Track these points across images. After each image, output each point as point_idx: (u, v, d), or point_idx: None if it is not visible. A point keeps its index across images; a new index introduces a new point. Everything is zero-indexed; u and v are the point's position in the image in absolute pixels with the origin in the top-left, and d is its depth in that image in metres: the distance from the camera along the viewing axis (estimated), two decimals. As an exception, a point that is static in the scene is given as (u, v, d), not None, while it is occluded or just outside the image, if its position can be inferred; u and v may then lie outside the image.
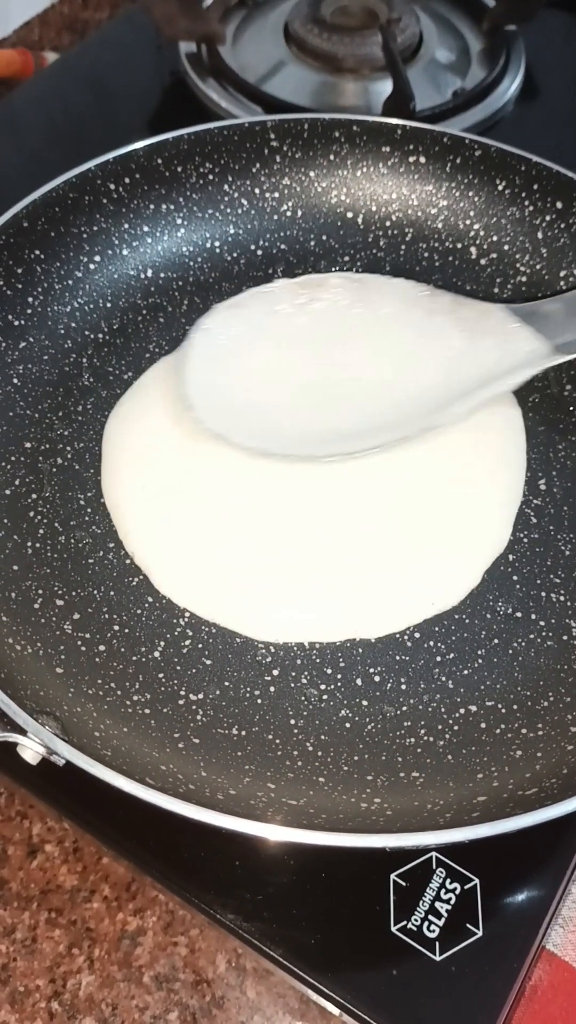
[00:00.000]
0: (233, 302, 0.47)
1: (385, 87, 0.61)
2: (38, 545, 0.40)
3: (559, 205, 0.49)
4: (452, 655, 0.38)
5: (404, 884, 0.35)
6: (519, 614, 0.40)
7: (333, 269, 0.51)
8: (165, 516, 0.41)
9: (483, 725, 0.36)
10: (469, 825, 0.30)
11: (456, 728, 0.36)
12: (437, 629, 0.39)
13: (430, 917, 0.35)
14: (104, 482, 0.43)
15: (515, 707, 0.37)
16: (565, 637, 0.39)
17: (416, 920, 0.35)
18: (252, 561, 0.40)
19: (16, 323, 0.45)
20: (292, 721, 0.36)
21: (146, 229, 0.50)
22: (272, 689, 0.37)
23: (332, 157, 0.52)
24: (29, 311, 0.46)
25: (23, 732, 0.32)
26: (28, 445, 0.43)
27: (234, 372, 0.45)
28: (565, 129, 0.65)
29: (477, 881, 0.36)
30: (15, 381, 0.44)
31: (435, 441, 0.43)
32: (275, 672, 0.38)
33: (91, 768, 0.30)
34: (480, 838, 0.30)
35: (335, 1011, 0.34)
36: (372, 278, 0.49)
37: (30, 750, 0.32)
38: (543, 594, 0.40)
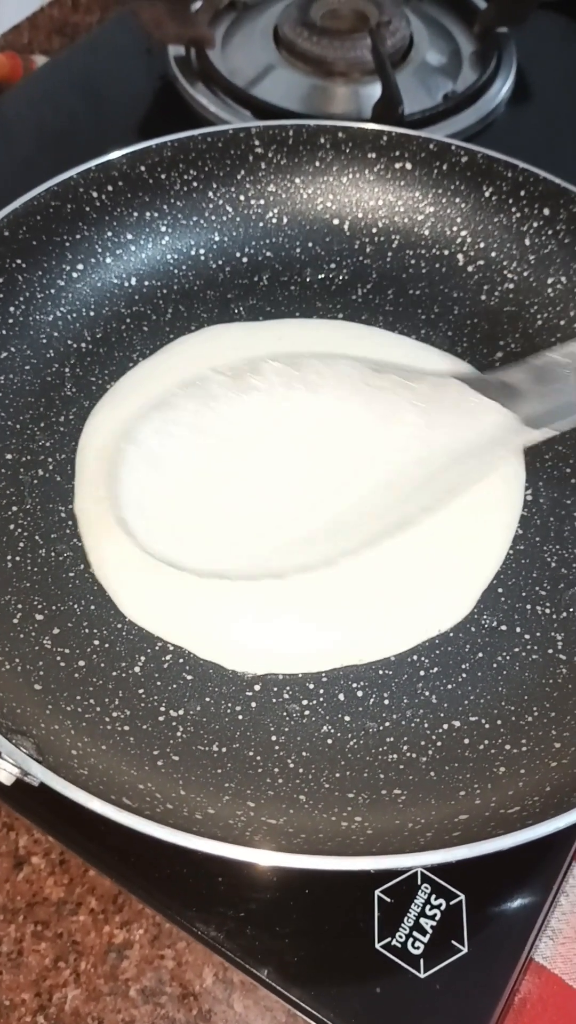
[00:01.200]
0: (163, 403, 0.44)
1: (376, 91, 0.61)
2: (18, 558, 0.40)
3: (546, 212, 0.49)
4: (436, 669, 0.38)
5: (388, 900, 0.35)
6: (504, 627, 0.39)
7: (320, 276, 0.51)
8: (134, 534, 0.40)
9: (466, 741, 0.36)
10: (450, 847, 0.30)
11: (439, 744, 0.36)
12: (422, 643, 0.39)
13: (415, 934, 0.35)
14: (76, 494, 0.42)
15: (499, 722, 0.36)
16: (550, 650, 0.38)
17: (400, 937, 0.35)
18: (232, 592, 0.39)
19: (-3, 333, 0.45)
20: (273, 737, 0.36)
21: (130, 237, 0.50)
22: (253, 705, 0.37)
23: (318, 164, 0.52)
24: (10, 320, 0.46)
25: (-4, 753, 0.32)
26: (9, 457, 0.43)
27: (175, 488, 0.41)
28: (557, 132, 0.64)
29: (462, 896, 0.35)
30: (-5, 392, 0.44)
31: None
32: (256, 688, 0.37)
33: (65, 790, 0.30)
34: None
35: (320, 1028, 0.34)
36: (306, 360, 0.44)
37: (3, 771, 0.31)
38: (528, 607, 0.40)
